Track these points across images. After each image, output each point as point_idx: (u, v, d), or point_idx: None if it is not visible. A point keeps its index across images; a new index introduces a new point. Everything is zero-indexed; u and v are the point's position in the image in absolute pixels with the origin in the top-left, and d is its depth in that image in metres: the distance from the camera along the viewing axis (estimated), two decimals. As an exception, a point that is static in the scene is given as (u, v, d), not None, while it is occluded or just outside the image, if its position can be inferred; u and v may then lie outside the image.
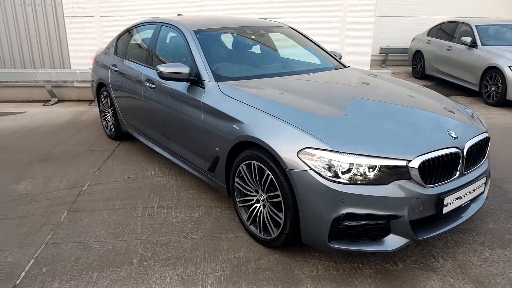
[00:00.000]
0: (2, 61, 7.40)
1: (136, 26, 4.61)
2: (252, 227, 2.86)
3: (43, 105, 7.19)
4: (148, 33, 4.26)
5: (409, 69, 10.62)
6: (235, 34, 3.97)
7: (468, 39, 7.98)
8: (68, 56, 7.28)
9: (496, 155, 4.61)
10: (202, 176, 3.38)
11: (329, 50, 4.39)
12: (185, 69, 3.21)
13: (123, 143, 5.01)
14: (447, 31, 9.08)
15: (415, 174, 2.30)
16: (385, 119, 2.63)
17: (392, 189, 2.27)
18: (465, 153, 2.52)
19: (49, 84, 7.13)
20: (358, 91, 3.27)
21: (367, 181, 2.28)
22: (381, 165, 2.28)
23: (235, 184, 2.92)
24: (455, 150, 2.46)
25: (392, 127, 2.53)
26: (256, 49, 3.99)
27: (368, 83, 3.48)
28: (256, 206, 2.81)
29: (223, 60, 3.63)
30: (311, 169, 2.32)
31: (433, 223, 2.52)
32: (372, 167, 2.28)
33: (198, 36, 3.59)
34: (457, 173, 2.50)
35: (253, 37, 4.03)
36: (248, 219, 2.88)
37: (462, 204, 2.54)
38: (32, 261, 2.69)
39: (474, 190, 2.60)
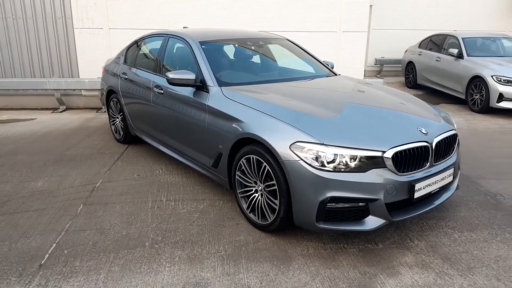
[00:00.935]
0: (12, 70, 7.81)
1: (145, 37, 5.03)
2: (251, 215, 3.23)
3: (52, 112, 7.58)
4: (156, 44, 4.68)
5: (403, 79, 11.08)
6: (236, 45, 4.38)
7: (455, 51, 8.44)
8: (77, 65, 7.70)
9: (475, 155, 5.02)
10: (207, 172, 3.75)
11: (322, 60, 4.80)
12: (192, 76, 3.61)
13: (131, 146, 5.38)
14: (436, 43, 9.56)
15: (389, 163, 2.69)
16: (365, 117, 3.03)
17: (370, 176, 2.66)
18: (433, 146, 2.91)
19: (58, 92, 7.53)
20: (344, 95, 3.68)
21: (349, 169, 2.66)
22: (360, 156, 2.67)
23: (236, 177, 3.29)
24: (425, 144, 2.85)
25: (370, 124, 2.93)
26: (256, 58, 4.41)
27: (352, 88, 3.89)
28: (255, 196, 3.18)
29: (225, 68, 4.03)
30: (301, 159, 2.70)
31: (407, 207, 2.89)
32: (353, 158, 2.67)
33: (203, 46, 4.00)
34: (427, 164, 2.89)
35: (252, 47, 4.44)
36: (248, 207, 3.26)
37: (432, 191, 2.93)
38: (54, 245, 3.04)
39: (442, 179, 2.99)
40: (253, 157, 3.05)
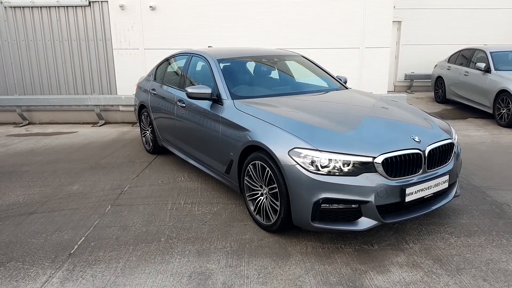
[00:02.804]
0: (58, 87, 8.61)
1: (172, 56, 5.52)
2: (257, 216, 3.52)
3: (92, 126, 8.26)
4: (181, 62, 5.15)
5: (432, 94, 11.03)
6: (252, 62, 4.76)
7: (482, 65, 8.40)
8: (115, 83, 8.39)
9: (490, 167, 5.04)
10: (221, 178, 4.09)
11: (335, 75, 5.07)
12: (208, 90, 4.00)
13: (160, 156, 5.83)
14: (465, 57, 9.53)
15: (379, 168, 2.90)
16: (362, 126, 3.27)
17: (361, 180, 2.88)
18: (426, 154, 3.08)
19: (97, 108, 8.22)
20: (346, 107, 3.92)
21: (342, 173, 2.90)
22: (352, 161, 2.90)
23: (245, 181, 3.60)
24: (417, 151, 3.04)
25: (365, 132, 3.16)
26: (269, 73, 4.75)
27: (357, 100, 4.13)
28: (260, 199, 3.47)
29: (240, 83, 4.40)
30: (298, 164, 2.98)
31: (400, 210, 3.07)
32: (346, 163, 2.91)
33: (220, 63, 4.40)
34: (420, 170, 3.07)
35: (267, 64, 4.80)
36: (255, 209, 3.55)
37: (425, 196, 3.09)
38: (83, 238, 3.46)
39: (436, 185, 3.14)
40: (258, 163, 3.35)
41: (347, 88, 4.72)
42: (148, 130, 5.90)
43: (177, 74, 5.19)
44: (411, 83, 12.29)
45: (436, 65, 10.83)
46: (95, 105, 8.14)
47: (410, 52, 12.26)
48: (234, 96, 3.99)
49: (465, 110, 9.29)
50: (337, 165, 2.91)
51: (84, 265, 3.05)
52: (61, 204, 4.23)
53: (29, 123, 8.68)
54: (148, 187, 4.63)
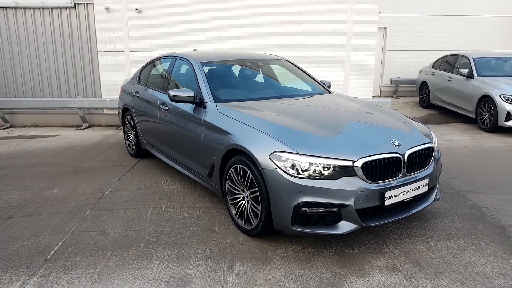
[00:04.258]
0: (41, 90, 8.49)
1: (156, 59, 5.48)
2: (239, 220, 3.49)
3: (76, 129, 8.14)
4: (165, 65, 5.11)
5: (417, 99, 11.16)
6: (235, 65, 4.74)
7: (465, 71, 8.54)
8: (100, 86, 8.29)
9: (472, 171, 5.10)
10: (203, 182, 4.05)
11: (319, 79, 5.09)
12: (191, 93, 3.97)
13: (143, 160, 5.77)
14: (449, 63, 9.67)
15: (359, 172, 2.91)
16: (343, 130, 3.27)
17: (341, 183, 2.88)
18: (406, 158, 3.10)
19: (81, 111, 8.11)
20: (328, 110, 3.94)
21: (322, 177, 2.90)
22: (332, 164, 2.90)
23: (227, 185, 3.57)
24: (396, 155, 3.05)
25: (346, 136, 3.16)
26: (252, 77, 4.74)
27: (339, 104, 4.14)
28: (242, 203, 3.44)
29: (223, 86, 4.38)
30: (279, 167, 2.96)
31: (380, 214, 3.08)
32: (326, 166, 2.90)
33: (204, 67, 4.37)
34: (400, 174, 3.08)
35: (251, 68, 4.79)
36: (236, 214, 3.52)
37: (405, 200, 3.10)
38: (60, 243, 3.39)
39: (416, 188, 3.16)
40: (240, 167, 3.33)
41: (330, 93, 4.74)
42: (131, 134, 5.83)
43: (161, 77, 5.15)
44: (396, 88, 12.43)
45: (421, 71, 10.97)
46: (78, 108, 8.03)
47: (395, 57, 12.41)
48: (217, 100, 3.97)
49: (448, 115, 9.41)
50: (318, 168, 2.91)
51: (60, 271, 2.98)
52: (40, 208, 4.14)
53: (11, 126, 8.52)
54: (130, 191, 4.56)
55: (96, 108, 8.17)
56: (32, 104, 8.04)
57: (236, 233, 3.48)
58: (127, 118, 5.86)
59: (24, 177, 5.14)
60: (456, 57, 9.48)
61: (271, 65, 4.97)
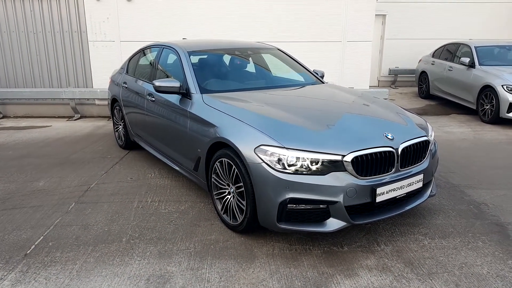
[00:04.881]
0: (32, 80, 8.31)
1: (144, 48, 5.30)
2: (224, 216, 3.35)
3: (67, 120, 7.99)
4: (153, 54, 4.93)
5: (416, 89, 10.95)
6: (224, 54, 4.56)
7: (466, 60, 8.32)
8: (91, 76, 8.11)
9: (471, 165, 4.95)
10: (190, 176, 3.91)
11: (312, 69, 4.91)
12: (176, 84, 3.80)
13: (132, 152, 5.62)
14: (450, 52, 9.45)
15: (349, 167, 2.76)
16: (333, 122, 3.11)
17: (329, 179, 2.73)
18: (399, 152, 2.94)
19: (73, 102, 7.94)
20: (319, 101, 3.77)
21: (309, 172, 2.75)
22: (320, 159, 2.75)
23: (212, 179, 3.43)
24: (389, 149, 2.90)
25: (336, 129, 3.00)
26: (242, 66, 4.57)
27: (331, 95, 3.98)
28: (228, 198, 3.30)
29: (211, 76, 4.21)
30: (264, 162, 2.81)
31: (371, 211, 2.93)
32: (314, 161, 2.75)
33: (191, 56, 4.20)
34: (393, 169, 2.93)
35: (241, 57, 4.61)
36: (222, 209, 3.38)
37: (397, 196, 2.95)
38: (42, 237, 3.27)
39: (409, 184, 3.00)
40: (225, 160, 3.18)
41: (323, 83, 4.57)
42: (120, 125, 5.68)
43: (148, 66, 4.98)
44: (395, 78, 12.20)
45: (420, 60, 10.74)
46: (70, 98, 7.87)
47: (394, 46, 12.14)
48: (203, 90, 3.81)
49: (448, 106, 9.22)
50: (305, 163, 2.76)
51: (39, 266, 2.87)
52: (24, 201, 4.01)
53: (3, 117, 8.38)
54: (116, 184, 4.43)
55: (88, 99, 8.02)
56: (23, 95, 7.88)
57: (221, 229, 3.35)
58: (116, 109, 5.70)
59: (12, 168, 5.02)
60: (457, 45, 9.25)
61: (262, 54, 4.79)
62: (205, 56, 4.41)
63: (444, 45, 9.84)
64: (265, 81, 4.45)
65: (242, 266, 2.82)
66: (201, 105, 3.61)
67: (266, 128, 2.97)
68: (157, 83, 3.82)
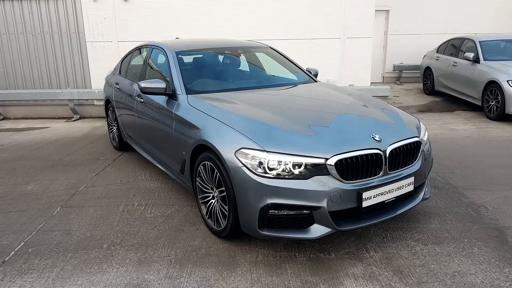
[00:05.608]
0: (32, 81, 8.30)
1: (135, 49, 5.21)
2: (209, 221, 3.24)
3: (66, 121, 7.96)
4: (143, 55, 4.83)
5: (421, 85, 10.71)
6: (214, 54, 4.44)
7: (471, 55, 8.09)
8: (90, 76, 8.06)
9: (472, 164, 4.76)
10: (177, 178, 3.81)
11: (305, 67, 4.76)
12: (162, 85, 3.69)
13: (126, 153, 5.54)
14: (454, 47, 9.20)
15: (332, 171, 2.62)
16: (319, 123, 2.97)
17: (312, 183, 2.60)
18: (387, 154, 2.79)
19: (71, 102, 7.91)
20: (308, 101, 3.62)
21: (292, 176, 2.62)
22: (302, 162, 2.61)
23: (197, 183, 3.32)
24: (376, 151, 2.75)
25: (321, 131, 2.86)
26: (232, 66, 4.44)
27: (322, 94, 3.83)
28: (212, 202, 3.19)
29: (199, 77, 4.09)
30: (244, 166, 2.69)
31: (359, 216, 2.79)
32: (296, 164, 2.62)
33: (179, 56, 4.08)
34: (381, 172, 2.78)
35: (231, 56, 4.48)
36: (207, 213, 3.27)
37: (386, 200, 2.80)
38: (22, 243, 3.20)
39: (399, 188, 2.85)
40: (208, 164, 3.07)
41: (315, 81, 4.42)
42: (114, 126, 5.61)
43: (139, 67, 4.88)
44: (400, 74, 11.95)
45: (425, 56, 10.50)
46: (68, 99, 7.83)
47: (398, 42, 11.88)
48: (189, 91, 3.69)
49: (453, 102, 8.99)
50: (287, 167, 2.63)
51: (15, 274, 2.79)
52: (10, 205, 3.96)
53: (3, 118, 8.38)
54: (105, 187, 4.35)
55: (87, 100, 7.97)
56: (22, 96, 7.87)
57: (206, 234, 3.24)
58: (110, 110, 5.63)
59: (3, 171, 4.98)
60: (461, 40, 9.00)
61: (253, 53, 4.66)
62: (194, 56, 4.30)
63: (449, 40, 9.59)
64: (255, 80, 4.31)
65: (222, 275, 2.70)
66: (186, 106, 3.50)
67: (248, 131, 2.85)
68: (143, 84, 3.72)
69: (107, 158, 5.35)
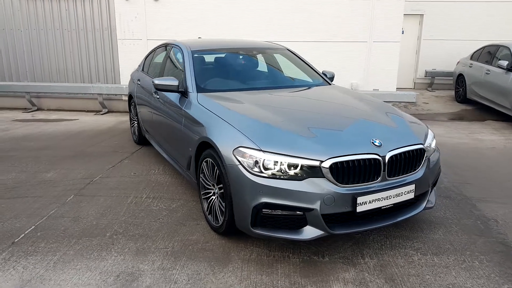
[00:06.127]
0: (66, 75, 8.70)
1: (158, 47, 5.36)
2: (209, 216, 3.30)
3: (94, 114, 8.28)
4: (163, 53, 4.97)
5: (454, 93, 10.34)
6: (229, 54, 4.50)
7: (504, 63, 7.75)
8: (119, 72, 8.35)
9: (491, 176, 4.57)
10: (184, 174, 3.89)
11: (328, 70, 4.73)
12: (174, 82, 3.79)
13: (144, 147, 5.71)
14: (489, 54, 8.83)
15: (327, 173, 2.60)
16: (321, 125, 2.96)
17: (306, 185, 2.59)
18: (386, 160, 2.74)
19: (100, 97, 8.22)
20: (315, 103, 3.60)
21: (287, 177, 2.62)
22: (298, 164, 2.61)
23: (200, 179, 3.38)
24: (375, 156, 2.70)
25: (321, 133, 2.84)
26: (246, 66, 4.47)
27: (332, 97, 3.80)
28: (212, 198, 3.24)
29: (212, 75, 4.16)
30: (241, 164, 2.72)
31: (355, 221, 2.75)
32: (292, 165, 2.62)
33: (194, 55, 4.17)
34: (379, 178, 2.73)
35: (241, 57, 4.53)
36: (207, 209, 3.32)
37: (383, 207, 2.75)
38: (33, 227, 3.37)
39: (398, 195, 2.79)
40: (209, 160, 3.12)
41: (329, 84, 4.39)
42: (135, 121, 5.79)
43: (158, 65, 5.02)
44: (432, 81, 11.59)
45: (458, 62, 10.14)
46: (98, 93, 8.14)
47: (432, 47, 11.53)
48: (200, 90, 3.77)
49: (485, 111, 8.62)
50: (283, 167, 2.64)
51: (21, 255, 2.95)
52: (29, 190, 4.17)
53: (38, 109, 8.82)
54: (118, 178, 4.50)
55: (115, 95, 8.26)
56: (54, 89, 8.26)
57: (205, 230, 3.29)
58: (132, 105, 5.81)
59: (28, 159, 5.25)
60: (496, 47, 8.63)
61: (269, 54, 4.68)
62: (209, 55, 4.37)
63: (484, 47, 9.22)
64: (266, 81, 4.33)
65: (213, 270, 2.75)
66: (195, 104, 3.58)
67: (248, 130, 2.88)
68: (157, 81, 3.83)
69: (126, 151, 5.53)
